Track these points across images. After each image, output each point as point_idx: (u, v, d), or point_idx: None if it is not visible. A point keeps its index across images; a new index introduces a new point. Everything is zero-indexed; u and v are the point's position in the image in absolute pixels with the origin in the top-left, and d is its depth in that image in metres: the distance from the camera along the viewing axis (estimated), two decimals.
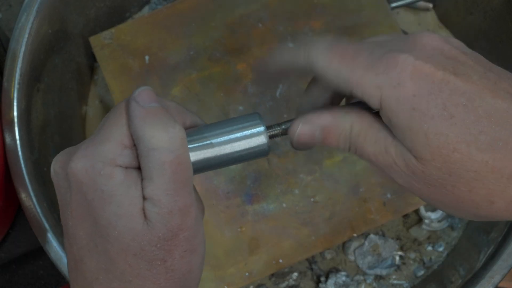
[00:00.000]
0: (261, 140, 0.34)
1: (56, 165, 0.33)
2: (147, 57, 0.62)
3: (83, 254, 0.32)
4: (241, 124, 0.34)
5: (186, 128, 0.35)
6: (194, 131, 0.34)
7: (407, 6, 0.71)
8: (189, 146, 0.33)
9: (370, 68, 0.31)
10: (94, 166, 0.30)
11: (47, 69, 0.59)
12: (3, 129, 0.54)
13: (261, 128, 0.34)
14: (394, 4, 0.69)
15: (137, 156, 0.31)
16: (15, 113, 0.54)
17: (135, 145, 0.32)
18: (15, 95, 0.54)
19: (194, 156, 0.33)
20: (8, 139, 0.54)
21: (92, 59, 0.69)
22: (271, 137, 0.35)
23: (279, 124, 0.36)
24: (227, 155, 0.34)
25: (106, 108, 0.70)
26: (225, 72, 0.62)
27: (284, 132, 0.36)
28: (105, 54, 0.62)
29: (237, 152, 0.34)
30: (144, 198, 0.31)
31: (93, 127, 0.69)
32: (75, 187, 0.31)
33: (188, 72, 0.62)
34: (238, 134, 0.34)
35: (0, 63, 0.60)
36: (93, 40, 0.63)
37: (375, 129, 0.33)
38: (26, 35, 0.56)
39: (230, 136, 0.34)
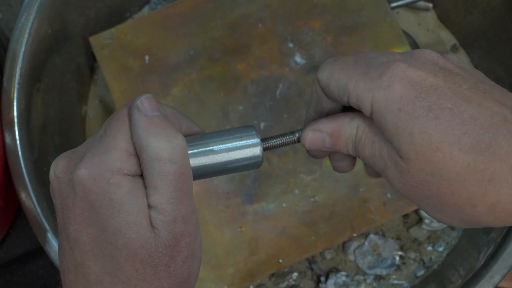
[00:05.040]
0: (256, 151, 0.36)
1: (57, 169, 0.33)
2: (147, 57, 0.62)
3: (87, 258, 0.32)
4: (237, 135, 0.36)
5: (182, 133, 0.36)
6: (193, 139, 0.35)
7: (407, 6, 0.71)
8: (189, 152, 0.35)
9: (365, 74, 0.33)
10: (103, 175, 0.31)
11: (47, 69, 0.59)
12: (3, 129, 0.54)
13: (256, 140, 0.36)
14: (394, 4, 0.69)
15: (140, 164, 0.32)
16: (15, 113, 0.54)
17: (137, 153, 0.32)
18: (15, 95, 0.55)
19: (193, 162, 0.35)
20: (8, 139, 0.54)
21: (92, 59, 0.69)
22: (265, 149, 0.37)
23: (272, 137, 0.38)
24: (222, 163, 0.35)
25: (106, 108, 0.70)
26: (225, 72, 0.62)
27: (276, 145, 0.38)
28: (105, 54, 0.62)
29: (232, 161, 0.35)
30: (148, 206, 0.32)
31: (93, 127, 0.69)
32: (81, 193, 0.31)
33: (188, 72, 0.62)
34: (235, 144, 0.35)
35: (0, 63, 0.60)
36: (93, 40, 0.63)
37: (373, 132, 0.34)
38: (26, 35, 0.56)
39: (227, 145, 0.35)
